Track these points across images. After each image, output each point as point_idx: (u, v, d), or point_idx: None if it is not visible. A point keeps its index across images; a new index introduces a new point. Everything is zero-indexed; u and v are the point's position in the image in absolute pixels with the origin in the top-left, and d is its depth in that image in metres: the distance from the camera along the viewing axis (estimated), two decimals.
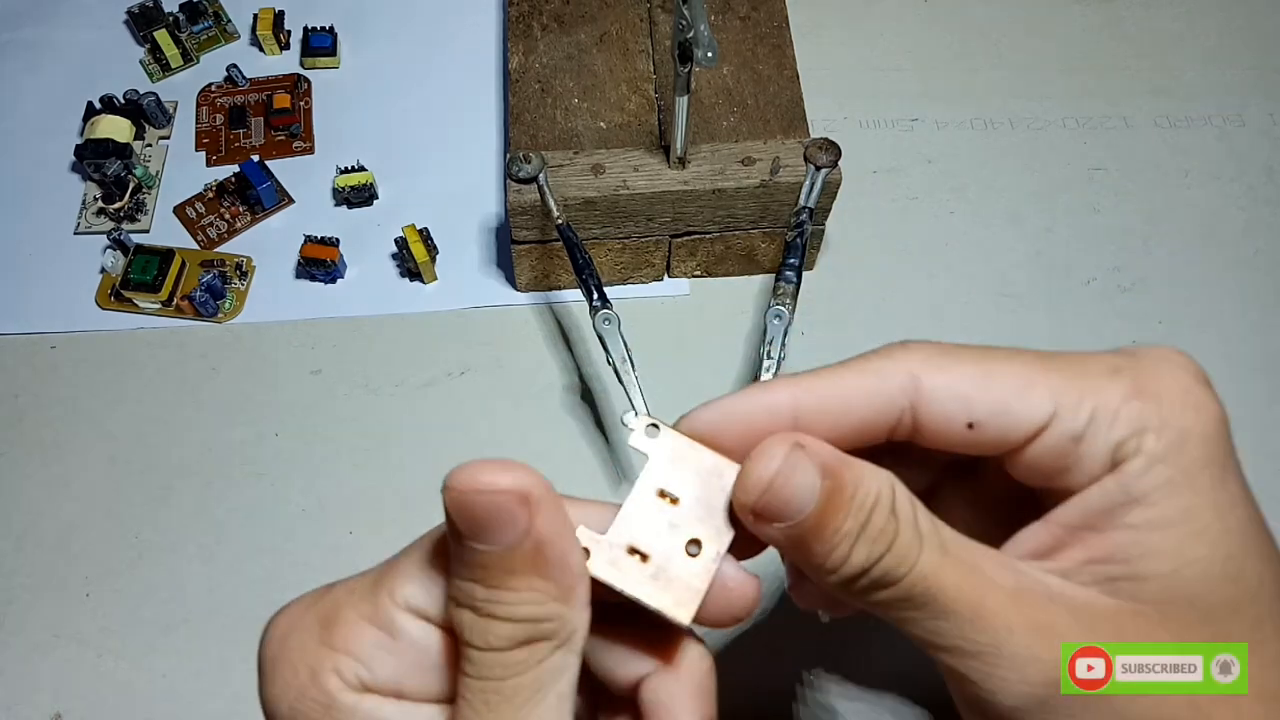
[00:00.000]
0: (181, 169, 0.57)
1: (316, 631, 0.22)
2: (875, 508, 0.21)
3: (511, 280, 0.53)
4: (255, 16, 0.61)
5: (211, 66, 0.61)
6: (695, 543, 0.23)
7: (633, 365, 0.43)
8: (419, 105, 0.60)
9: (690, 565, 0.23)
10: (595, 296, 0.44)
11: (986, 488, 0.26)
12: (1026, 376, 0.22)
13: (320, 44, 0.61)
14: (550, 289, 0.53)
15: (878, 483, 0.22)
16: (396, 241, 0.53)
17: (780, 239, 0.52)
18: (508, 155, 0.49)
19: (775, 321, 0.44)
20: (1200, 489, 0.21)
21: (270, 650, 0.22)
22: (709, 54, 0.39)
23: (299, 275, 0.54)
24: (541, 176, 0.46)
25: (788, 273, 0.45)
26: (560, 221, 0.46)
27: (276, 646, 0.22)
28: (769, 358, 0.44)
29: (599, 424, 0.49)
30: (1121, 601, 0.21)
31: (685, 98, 0.44)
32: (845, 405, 0.23)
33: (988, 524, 0.26)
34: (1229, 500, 0.21)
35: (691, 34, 0.39)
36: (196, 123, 0.59)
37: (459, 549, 0.21)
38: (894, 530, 0.21)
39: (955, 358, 0.23)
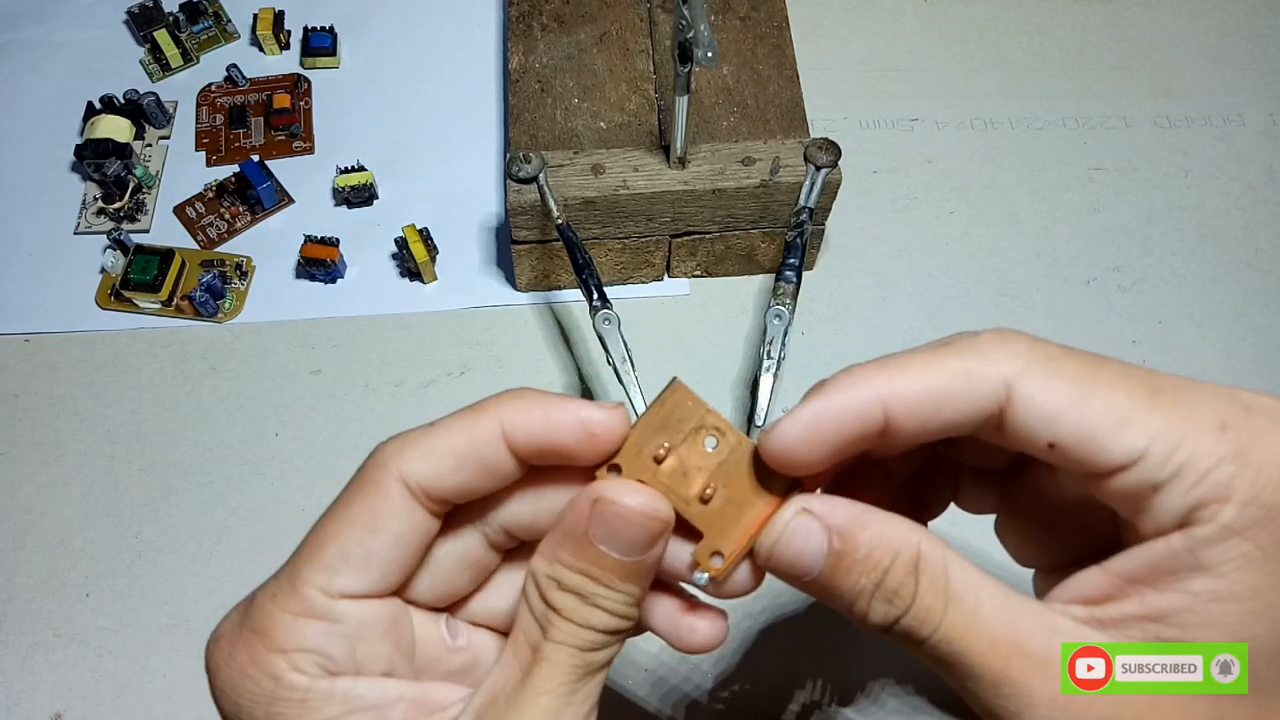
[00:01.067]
0: (181, 169, 0.57)
1: (258, 642, 0.22)
2: (891, 568, 0.22)
3: (511, 280, 0.53)
4: (255, 16, 0.62)
5: (211, 66, 0.61)
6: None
7: (633, 365, 0.43)
8: (419, 105, 0.60)
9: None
10: (595, 296, 0.44)
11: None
12: (1126, 409, 0.21)
13: (320, 44, 0.61)
14: (550, 289, 0.53)
15: (898, 541, 0.22)
16: (396, 241, 0.53)
17: (780, 239, 0.52)
18: (508, 155, 0.49)
19: (775, 321, 0.44)
20: (1275, 568, 0.20)
21: (222, 676, 0.23)
22: (709, 54, 0.39)
23: (299, 275, 0.54)
24: (541, 176, 0.46)
25: (788, 273, 0.45)
26: (560, 221, 0.46)
27: (226, 669, 0.23)
28: (769, 358, 0.44)
29: None
30: None
31: (685, 98, 0.44)
32: (934, 408, 0.22)
33: (1064, 507, 0.25)
34: None
35: (691, 34, 0.39)
36: (196, 123, 0.59)
37: (582, 548, 0.23)
38: (912, 591, 0.22)
39: (1056, 370, 0.22)
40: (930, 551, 0.22)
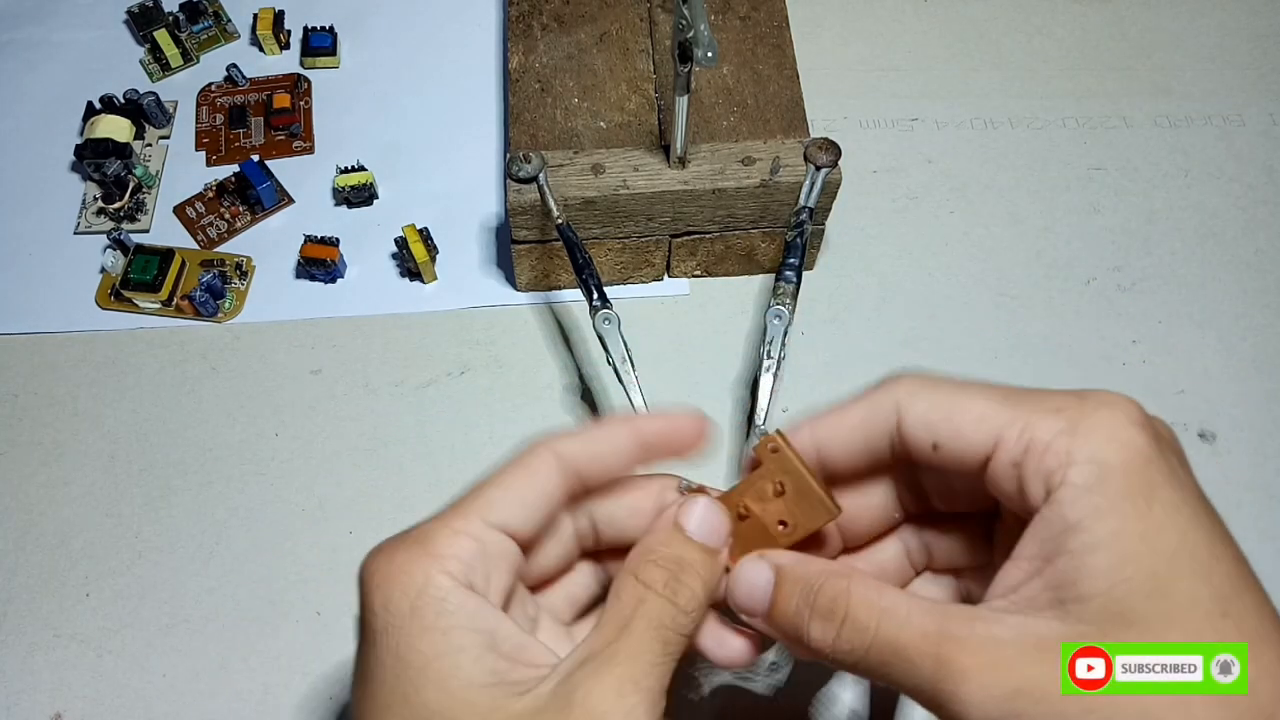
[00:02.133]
0: (181, 169, 0.57)
1: (418, 548, 0.26)
2: (822, 586, 0.27)
3: (511, 280, 0.53)
4: (255, 16, 0.62)
5: (211, 66, 0.61)
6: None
7: (633, 365, 0.43)
8: (419, 105, 0.60)
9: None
10: (595, 296, 0.44)
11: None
12: (984, 410, 0.26)
13: (320, 44, 0.61)
14: (550, 289, 0.53)
15: (832, 570, 0.27)
16: (396, 241, 0.53)
17: (780, 239, 0.52)
18: (508, 155, 0.49)
19: (775, 321, 0.44)
20: (1125, 515, 0.23)
21: (379, 573, 0.26)
22: (709, 54, 0.39)
23: (299, 275, 0.54)
24: (541, 176, 0.46)
25: (788, 273, 0.45)
26: (560, 221, 0.46)
27: (385, 566, 0.26)
28: (769, 358, 0.44)
29: None
30: (1069, 625, 0.24)
31: (685, 97, 0.44)
32: (849, 434, 0.29)
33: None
34: (1156, 525, 0.23)
35: (691, 34, 0.39)
36: (196, 123, 0.59)
37: (673, 533, 0.29)
38: (845, 605, 0.26)
39: (933, 390, 0.27)
40: (862, 579, 0.26)
